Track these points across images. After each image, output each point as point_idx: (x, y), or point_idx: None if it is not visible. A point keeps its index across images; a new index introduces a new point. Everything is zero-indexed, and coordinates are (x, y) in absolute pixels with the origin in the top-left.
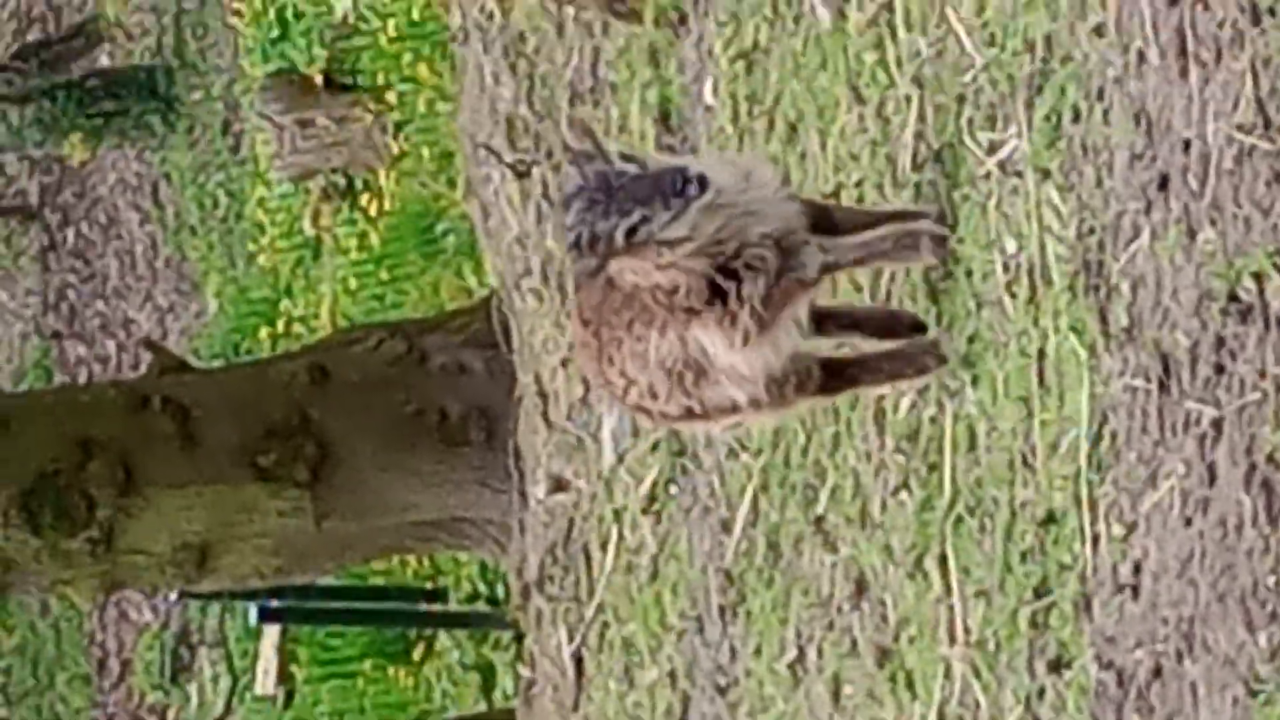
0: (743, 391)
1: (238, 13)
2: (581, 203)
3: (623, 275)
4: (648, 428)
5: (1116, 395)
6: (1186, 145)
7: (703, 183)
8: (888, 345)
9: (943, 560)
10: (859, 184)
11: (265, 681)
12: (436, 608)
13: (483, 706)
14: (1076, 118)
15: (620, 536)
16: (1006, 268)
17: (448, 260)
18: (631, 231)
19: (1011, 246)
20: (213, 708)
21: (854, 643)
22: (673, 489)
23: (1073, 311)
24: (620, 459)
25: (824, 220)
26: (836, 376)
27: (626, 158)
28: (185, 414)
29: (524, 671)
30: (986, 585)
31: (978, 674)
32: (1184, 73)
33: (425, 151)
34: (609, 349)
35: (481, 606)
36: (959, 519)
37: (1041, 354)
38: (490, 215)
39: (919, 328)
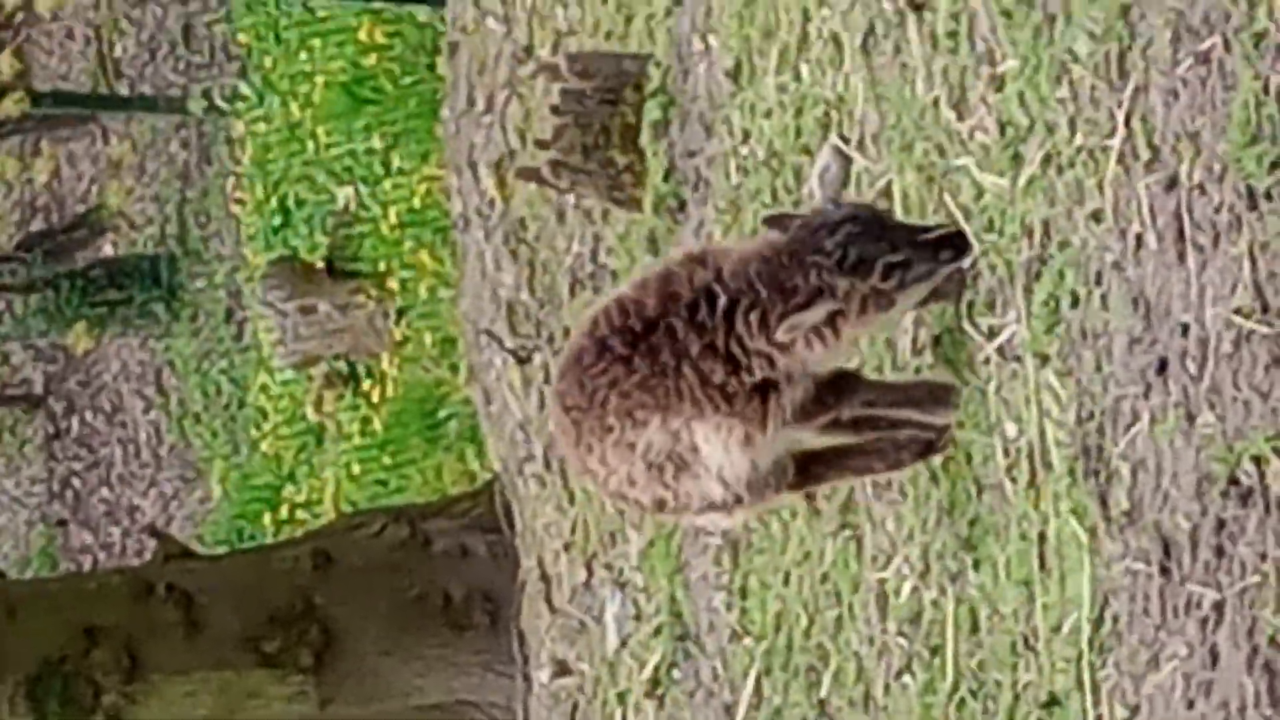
0: (720, 490)
1: (240, 201)
2: (854, 227)
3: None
4: (623, 512)
5: (1118, 578)
6: (1185, 329)
7: (968, 248)
8: (870, 440)
9: None
10: (858, 368)
11: None
12: None
13: None
14: (1075, 303)
15: None
16: (1007, 452)
17: (450, 445)
18: (889, 269)
19: (1012, 431)
20: None
21: None
22: (675, 673)
23: (1073, 495)
24: (623, 643)
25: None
26: (811, 467)
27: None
28: (190, 601)
29: None
30: None
31: None
32: (1182, 257)
33: (427, 337)
34: (589, 438)
35: None
36: (962, 701)
37: (1043, 537)
38: (492, 400)
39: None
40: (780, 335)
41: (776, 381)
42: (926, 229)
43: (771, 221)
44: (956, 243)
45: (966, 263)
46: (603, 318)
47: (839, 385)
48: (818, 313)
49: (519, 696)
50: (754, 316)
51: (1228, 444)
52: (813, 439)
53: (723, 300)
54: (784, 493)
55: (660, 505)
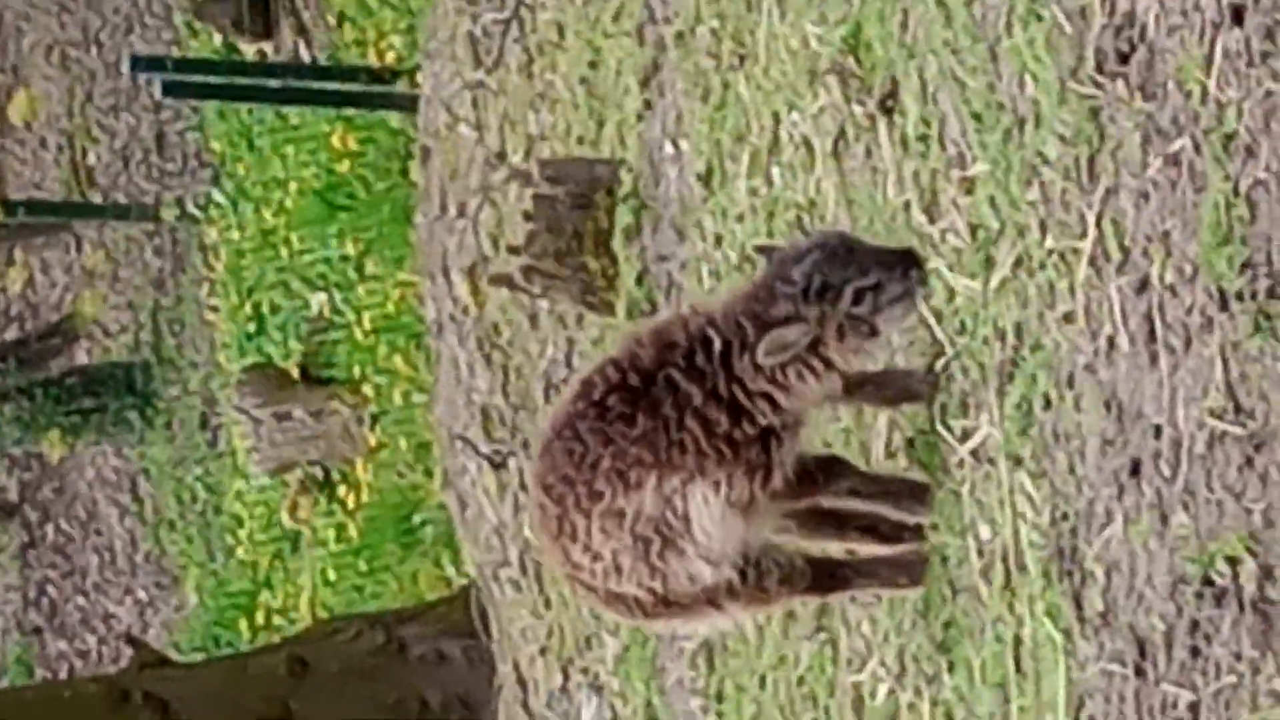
0: (710, 570)
1: (214, 308)
2: (820, 254)
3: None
4: (627, 623)
5: (1093, 680)
6: (1158, 431)
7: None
8: (879, 550)
9: None
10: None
11: None
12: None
13: None
14: (1048, 405)
15: None
16: (981, 554)
17: (426, 551)
18: (860, 293)
19: (986, 533)
20: None
21: None
22: None
23: (1048, 597)
24: None
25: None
26: (828, 576)
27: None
28: (166, 708)
29: None
30: None
31: None
32: (1154, 359)
33: (402, 443)
34: (575, 515)
35: None
36: None
37: (1017, 640)
38: (468, 506)
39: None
40: (761, 357)
41: (778, 430)
42: (895, 250)
43: (761, 250)
44: (913, 255)
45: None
46: (598, 378)
47: (827, 465)
48: (793, 332)
49: None
50: (748, 357)
51: (1201, 544)
52: (795, 538)
53: (718, 344)
54: (796, 594)
55: (652, 597)
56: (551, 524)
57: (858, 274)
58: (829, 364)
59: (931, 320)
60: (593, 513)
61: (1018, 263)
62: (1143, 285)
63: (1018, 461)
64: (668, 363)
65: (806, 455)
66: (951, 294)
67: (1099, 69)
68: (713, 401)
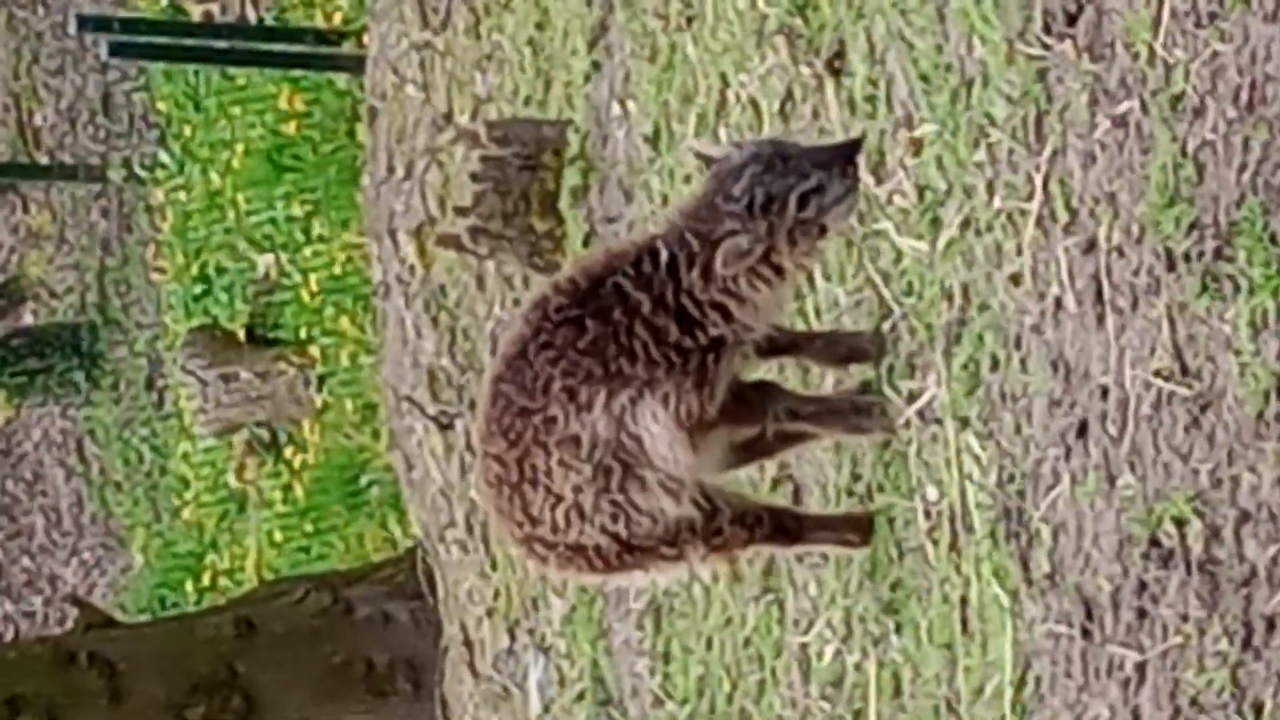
0: (671, 500)
1: (160, 269)
2: (757, 166)
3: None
4: (591, 583)
5: (1040, 641)
6: (1105, 392)
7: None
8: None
9: None
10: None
11: None
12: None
13: None
14: (995, 366)
15: None
16: (928, 515)
17: (372, 512)
18: (804, 198)
19: (932, 494)
20: None
21: None
22: None
23: (994, 558)
24: (546, 708)
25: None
26: (784, 526)
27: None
28: (112, 669)
29: None
30: None
31: None
32: (1101, 320)
33: (349, 404)
34: (533, 453)
35: None
36: None
37: (964, 601)
38: (414, 467)
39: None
40: (720, 269)
41: (728, 342)
42: (830, 146)
43: (700, 156)
44: (858, 152)
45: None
46: (549, 292)
47: (761, 387)
48: (745, 240)
49: None
50: (696, 269)
51: (1148, 506)
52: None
53: (664, 256)
54: (755, 543)
55: (616, 541)
56: (511, 472)
57: (798, 179)
58: (780, 271)
59: (879, 281)
60: (549, 444)
61: (965, 224)
62: (1090, 246)
63: (965, 422)
64: (616, 270)
65: (742, 381)
66: (899, 255)
67: (1046, 30)
68: (661, 309)
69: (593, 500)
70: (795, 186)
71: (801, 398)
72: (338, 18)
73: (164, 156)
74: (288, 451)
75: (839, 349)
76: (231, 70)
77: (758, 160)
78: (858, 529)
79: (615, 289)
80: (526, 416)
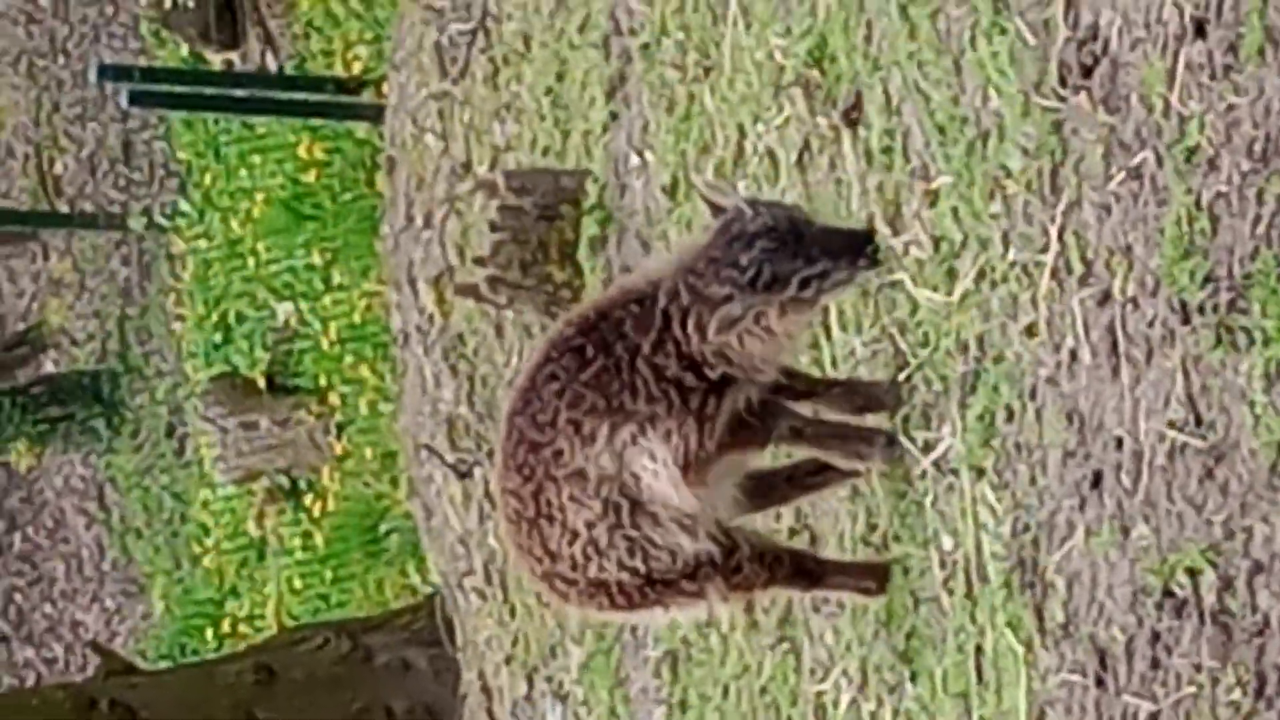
0: (687, 536)
1: (180, 317)
2: (769, 242)
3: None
4: (613, 620)
5: (1054, 691)
6: (1119, 443)
7: (879, 249)
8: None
9: None
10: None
11: None
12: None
13: None
14: (1010, 417)
15: None
16: (943, 564)
17: (391, 559)
18: (805, 282)
19: (948, 544)
20: None
21: None
22: None
23: (1009, 608)
24: None
25: (791, 379)
26: (804, 569)
27: (801, 211)
28: (133, 716)
29: None
30: None
31: None
32: (1115, 371)
33: (368, 452)
34: (546, 489)
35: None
36: None
37: (979, 650)
38: (433, 515)
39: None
40: (712, 336)
41: (735, 379)
42: (844, 232)
43: (709, 204)
44: (870, 245)
45: (875, 270)
46: (562, 324)
47: (764, 407)
48: (737, 308)
49: None
50: (691, 323)
51: (1162, 556)
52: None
53: (661, 302)
54: (776, 586)
55: (636, 580)
56: (527, 507)
57: (805, 264)
58: (771, 332)
59: (895, 332)
60: (559, 478)
61: (980, 275)
62: (1105, 298)
63: (980, 473)
64: (623, 305)
65: (742, 403)
66: (915, 306)
67: (1062, 82)
68: (661, 350)
69: (607, 536)
70: (800, 271)
71: (807, 419)
72: (357, 67)
73: (184, 205)
74: (307, 499)
75: (856, 398)
76: (252, 119)
77: (771, 236)
78: (875, 576)
79: (618, 325)
80: (537, 450)
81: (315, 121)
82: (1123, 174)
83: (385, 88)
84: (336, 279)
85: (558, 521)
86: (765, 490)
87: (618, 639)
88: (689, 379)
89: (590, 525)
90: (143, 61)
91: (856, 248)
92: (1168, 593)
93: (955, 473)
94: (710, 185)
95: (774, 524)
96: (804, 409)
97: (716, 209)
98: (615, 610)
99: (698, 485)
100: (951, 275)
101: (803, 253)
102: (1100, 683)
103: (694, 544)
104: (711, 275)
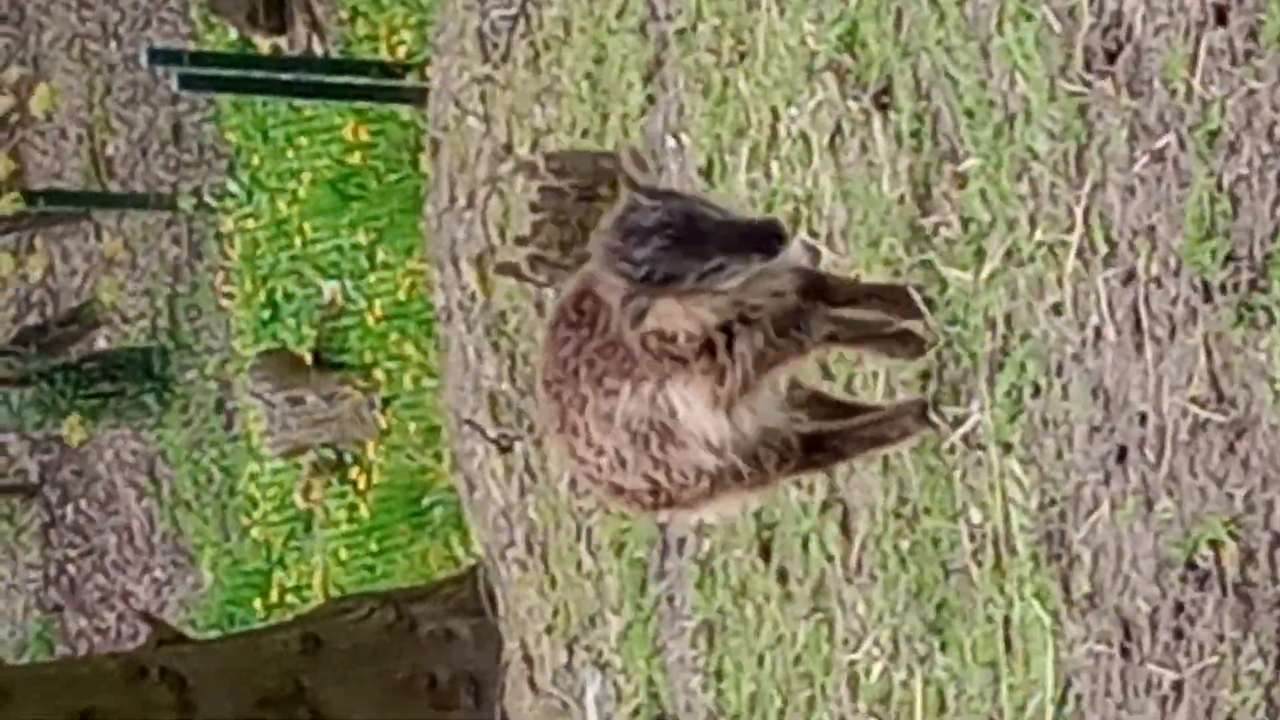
0: (712, 458)
1: (229, 295)
2: (663, 240)
3: (654, 316)
4: (634, 516)
5: (1080, 660)
6: (1143, 418)
7: (783, 240)
8: (868, 416)
9: None
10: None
11: None
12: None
13: None
14: (1037, 393)
15: None
16: (972, 537)
17: (435, 531)
18: (701, 277)
19: (976, 517)
20: None
21: None
22: None
23: (1036, 580)
24: None
25: (818, 286)
26: (818, 449)
27: (704, 203)
28: (183, 684)
29: None
30: None
31: None
32: (1140, 348)
33: (412, 427)
34: (571, 413)
35: None
36: None
37: (1007, 621)
38: (475, 488)
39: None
40: (630, 329)
41: (730, 327)
42: (742, 226)
43: (627, 181)
44: (773, 236)
45: (780, 257)
46: (566, 291)
47: (800, 315)
48: (641, 300)
49: None
50: (605, 289)
51: (1185, 529)
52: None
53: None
54: (791, 472)
55: (657, 491)
56: (555, 420)
57: (699, 261)
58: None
59: (924, 310)
60: (585, 411)
61: (1008, 255)
62: (1129, 277)
63: (1007, 448)
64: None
65: (777, 315)
66: (944, 285)
67: (1087, 67)
68: (637, 320)
69: (633, 456)
70: (694, 269)
71: (841, 320)
72: (401, 51)
73: (233, 186)
74: (353, 472)
75: (890, 303)
76: (298, 102)
77: (665, 233)
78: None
79: (595, 299)
80: (563, 384)
81: (360, 104)
82: (1146, 157)
83: (429, 71)
84: (381, 258)
85: (582, 438)
86: (819, 408)
87: (655, 609)
88: (671, 347)
89: (617, 448)
90: (192, 46)
91: (757, 242)
92: (1191, 565)
93: (983, 447)
94: (634, 156)
95: (807, 497)
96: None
97: (631, 184)
98: (639, 509)
99: (739, 409)
100: (980, 255)
101: (697, 250)
102: (1125, 652)
103: (718, 461)
104: (609, 267)
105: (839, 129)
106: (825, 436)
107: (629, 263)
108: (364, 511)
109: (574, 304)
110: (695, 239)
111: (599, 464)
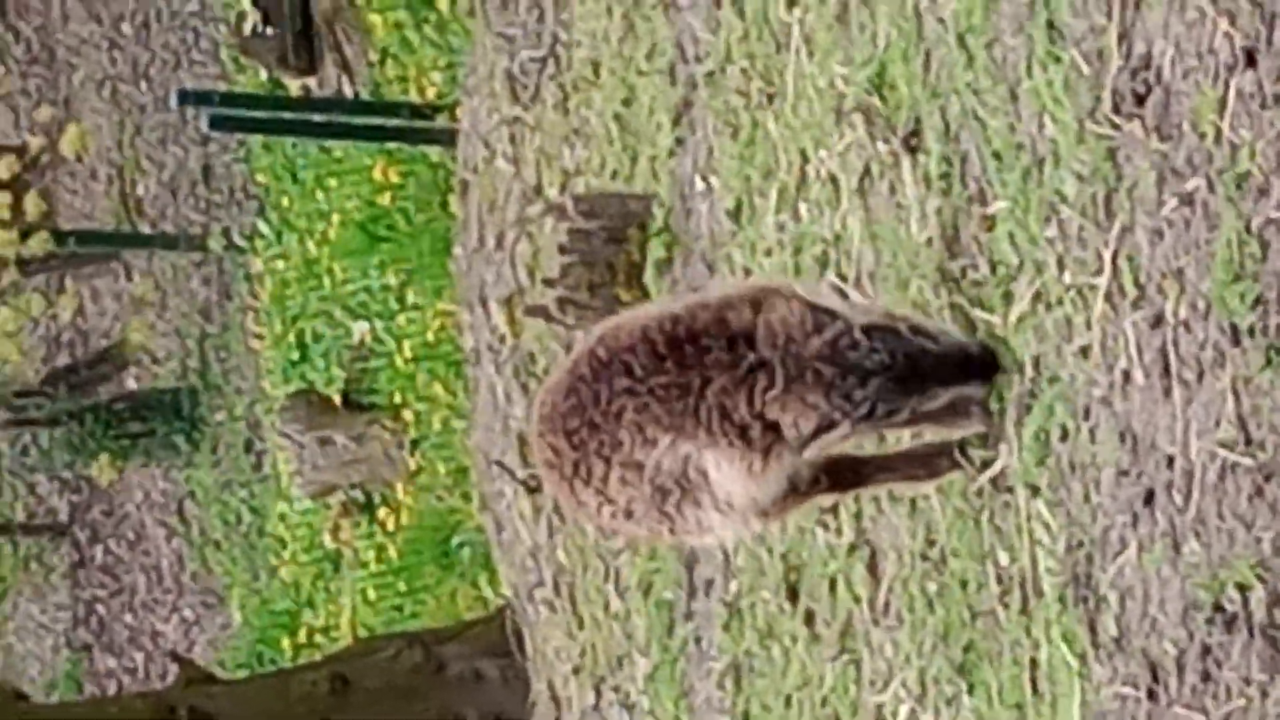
0: (719, 519)
1: (259, 336)
2: (885, 380)
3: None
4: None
5: (1107, 703)
6: (1171, 462)
7: (997, 364)
8: (901, 449)
9: None
10: (855, 498)
11: None
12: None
13: None
14: (1065, 436)
15: None
16: (999, 579)
17: (463, 572)
18: (914, 411)
19: (1004, 559)
20: None
21: None
22: None
23: (1063, 622)
24: None
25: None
26: (847, 472)
27: (916, 331)
28: None
29: None
30: None
31: None
32: (1168, 392)
33: (441, 467)
34: (593, 459)
35: None
36: None
37: (1034, 663)
38: (504, 529)
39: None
40: (800, 451)
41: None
42: (957, 357)
43: (810, 307)
44: (988, 363)
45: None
46: (654, 324)
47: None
48: (835, 437)
49: None
50: (771, 395)
51: (1213, 572)
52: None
53: (751, 358)
54: (816, 497)
55: (655, 535)
56: (566, 466)
57: (919, 399)
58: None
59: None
60: (613, 460)
61: (1036, 297)
62: (1157, 320)
63: (1035, 490)
64: (709, 334)
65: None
66: (972, 328)
67: (1116, 110)
68: (733, 394)
69: (643, 510)
70: (912, 405)
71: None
72: (431, 93)
73: (263, 226)
74: (381, 513)
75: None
76: (328, 143)
77: (887, 374)
78: (926, 465)
79: (702, 352)
80: (595, 430)
81: (390, 145)
82: (1175, 200)
83: (458, 113)
84: (410, 299)
85: (593, 487)
86: (842, 470)
87: (682, 651)
88: (753, 429)
89: (630, 501)
90: (222, 87)
91: (971, 373)
92: (1218, 607)
93: (1011, 490)
94: (809, 290)
95: (834, 539)
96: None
97: (830, 315)
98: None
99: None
100: (1008, 297)
101: (917, 389)
102: (1152, 695)
103: (725, 523)
104: (818, 390)
105: (868, 171)
106: (854, 462)
107: (848, 400)
108: (392, 552)
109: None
110: (916, 377)
111: (601, 511)
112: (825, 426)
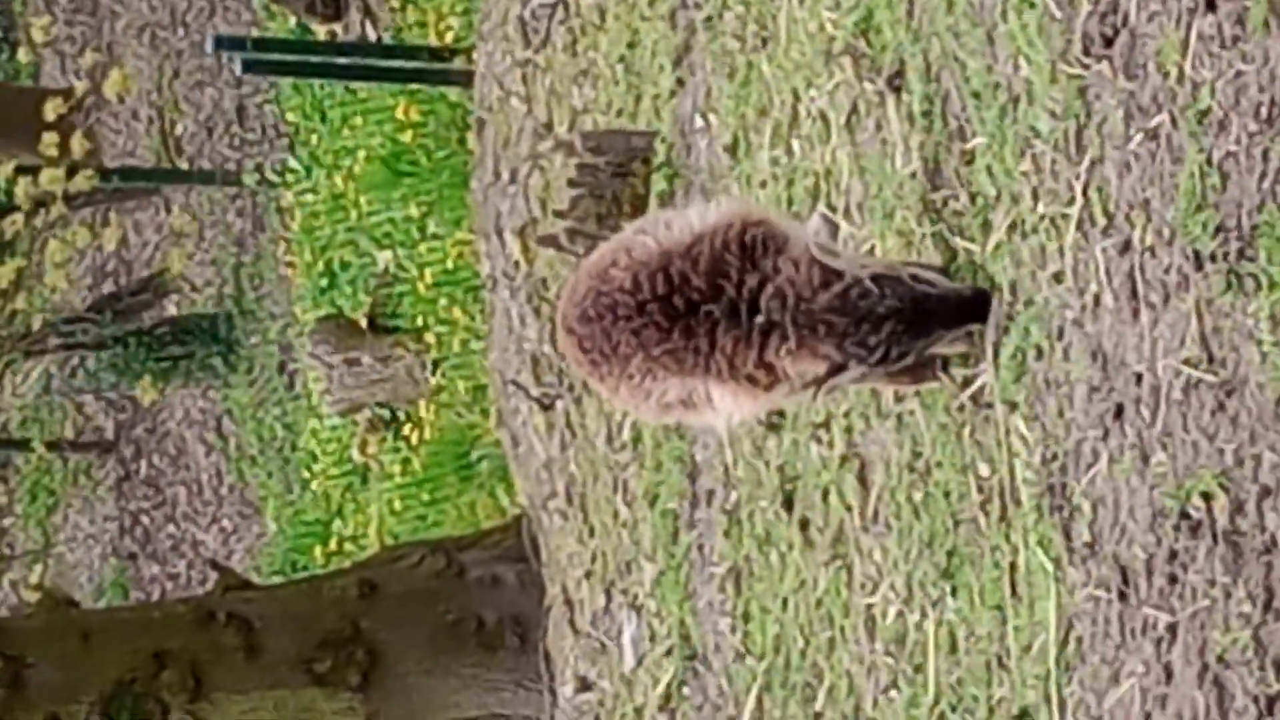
0: (721, 423)
1: (290, 264)
2: (897, 324)
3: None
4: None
5: (1081, 604)
6: (1139, 379)
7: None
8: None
9: None
10: (846, 414)
11: None
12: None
13: None
14: (1040, 355)
15: None
16: (980, 489)
17: (482, 483)
18: (923, 350)
19: (984, 470)
20: None
21: None
22: (685, 690)
23: (1040, 529)
24: (639, 662)
25: None
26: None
27: (917, 279)
28: (248, 627)
29: None
30: None
31: None
32: (1135, 314)
33: (460, 386)
34: (606, 374)
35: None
36: (942, 715)
37: (1013, 567)
38: (519, 443)
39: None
40: (811, 396)
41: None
42: (956, 300)
43: (821, 255)
44: (985, 304)
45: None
46: (646, 280)
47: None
48: (847, 379)
49: (546, 710)
50: (784, 350)
51: (1179, 482)
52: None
53: (760, 320)
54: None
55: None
56: (583, 365)
57: (926, 340)
58: None
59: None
60: (622, 382)
61: (1012, 227)
62: (1125, 247)
63: (1013, 406)
64: (713, 301)
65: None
66: (953, 255)
67: (1085, 52)
68: (743, 347)
69: (652, 413)
70: (922, 346)
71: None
72: (449, 37)
73: (293, 162)
74: (406, 429)
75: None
76: (354, 84)
77: (899, 318)
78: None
79: (708, 319)
80: (606, 358)
81: (411, 86)
82: (1141, 135)
83: (475, 56)
84: (431, 229)
85: (608, 386)
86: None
87: (686, 557)
88: (760, 375)
89: (637, 407)
90: (255, 32)
91: (972, 313)
92: (1184, 515)
93: (990, 406)
94: (823, 237)
95: (827, 452)
96: None
97: (831, 252)
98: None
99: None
100: (986, 227)
101: (925, 331)
102: (1123, 597)
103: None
104: (831, 341)
105: (855, 109)
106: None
107: (863, 347)
108: (416, 465)
109: (665, 305)
110: (923, 320)
111: (613, 396)
112: (835, 370)
